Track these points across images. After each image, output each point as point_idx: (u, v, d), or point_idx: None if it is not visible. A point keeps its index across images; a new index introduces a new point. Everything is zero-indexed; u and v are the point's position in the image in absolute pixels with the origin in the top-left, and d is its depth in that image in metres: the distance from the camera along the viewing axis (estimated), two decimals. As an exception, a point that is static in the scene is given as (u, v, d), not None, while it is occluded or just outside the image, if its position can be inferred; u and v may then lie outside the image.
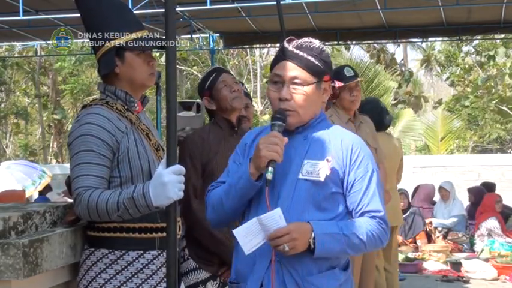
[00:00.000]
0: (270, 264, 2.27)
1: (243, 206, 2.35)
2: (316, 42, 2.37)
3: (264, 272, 2.29)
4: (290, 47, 2.34)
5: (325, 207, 2.30)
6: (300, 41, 2.36)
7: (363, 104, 5.13)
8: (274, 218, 2.22)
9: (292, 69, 2.33)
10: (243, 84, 4.28)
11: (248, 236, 2.24)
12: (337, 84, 4.44)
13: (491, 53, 20.23)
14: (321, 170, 2.27)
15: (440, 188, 9.59)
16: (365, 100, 5.63)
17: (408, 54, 27.59)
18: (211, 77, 3.49)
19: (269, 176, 2.23)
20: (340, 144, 2.34)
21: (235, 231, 2.25)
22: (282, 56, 2.36)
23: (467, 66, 24.18)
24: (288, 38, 2.39)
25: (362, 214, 2.32)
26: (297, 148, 2.34)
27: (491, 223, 8.87)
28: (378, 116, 5.27)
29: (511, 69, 21.44)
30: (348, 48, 22.68)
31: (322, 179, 2.27)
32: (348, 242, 2.26)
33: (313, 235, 2.22)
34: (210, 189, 2.47)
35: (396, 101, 23.34)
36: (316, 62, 2.32)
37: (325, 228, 2.25)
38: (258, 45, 15.90)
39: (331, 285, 2.30)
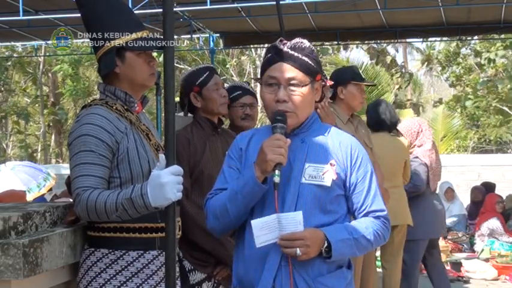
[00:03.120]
0: (280, 268, 2.28)
1: (247, 213, 2.33)
2: (306, 42, 2.38)
3: (274, 276, 2.28)
4: (285, 48, 2.34)
5: (330, 209, 2.33)
6: (293, 41, 2.37)
7: (369, 104, 5.28)
8: (294, 220, 2.24)
9: (288, 71, 2.32)
10: (248, 83, 4.21)
11: (264, 230, 2.25)
12: (329, 83, 4.42)
13: (492, 56, 20.11)
14: (325, 174, 2.30)
15: (448, 189, 9.56)
16: (373, 101, 5.71)
17: (408, 54, 27.60)
18: (205, 75, 3.40)
19: (276, 179, 2.23)
20: (339, 146, 2.36)
21: (253, 222, 2.25)
22: (276, 57, 2.34)
23: (466, 66, 24.12)
24: (279, 39, 2.39)
25: (366, 214, 2.37)
26: (295, 151, 2.34)
27: (494, 223, 8.87)
28: (377, 116, 5.30)
29: (509, 71, 21.39)
30: (346, 49, 22.67)
31: (328, 184, 2.29)
32: (357, 245, 2.32)
33: (326, 244, 2.25)
34: (209, 197, 2.43)
35: (396, 103, 23.30)
36: (310, 62, 2.34)
37: (338, 235, 2.28)
38: (258, 45, 15.87)
39: (340, 284, 2.35)
